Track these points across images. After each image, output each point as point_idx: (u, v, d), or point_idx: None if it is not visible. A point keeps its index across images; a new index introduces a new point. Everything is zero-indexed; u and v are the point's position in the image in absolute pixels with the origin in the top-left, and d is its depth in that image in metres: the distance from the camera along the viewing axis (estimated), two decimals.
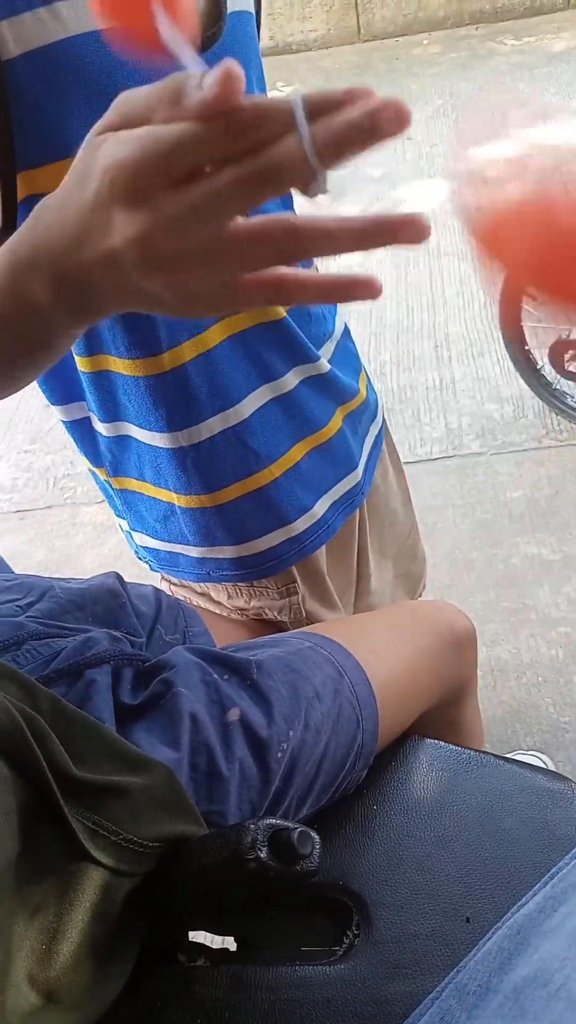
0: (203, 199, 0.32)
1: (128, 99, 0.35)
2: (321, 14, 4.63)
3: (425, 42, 4.53)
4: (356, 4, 4.57)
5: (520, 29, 4.38)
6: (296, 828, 0.46)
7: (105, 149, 0.34)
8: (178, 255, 0.34)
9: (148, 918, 0.55)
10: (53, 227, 0.37)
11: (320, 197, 0.34)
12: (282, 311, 0.73)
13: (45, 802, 0.47)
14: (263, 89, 0.72)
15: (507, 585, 1.86)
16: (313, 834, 0.47)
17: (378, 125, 0.30)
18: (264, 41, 4.69)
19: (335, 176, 0.33)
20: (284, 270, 0.35)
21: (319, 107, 0.31)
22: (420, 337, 2.59)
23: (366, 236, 0.33)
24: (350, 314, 2.74)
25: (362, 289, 0.35)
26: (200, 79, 0.32)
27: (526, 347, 2.10)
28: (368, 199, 3.31)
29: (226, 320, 0.71)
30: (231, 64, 0.30)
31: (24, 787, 0.47)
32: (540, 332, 2.06)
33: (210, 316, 0.67)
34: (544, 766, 1.51)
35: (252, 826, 0.47)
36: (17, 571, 0.85)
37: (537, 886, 0.45)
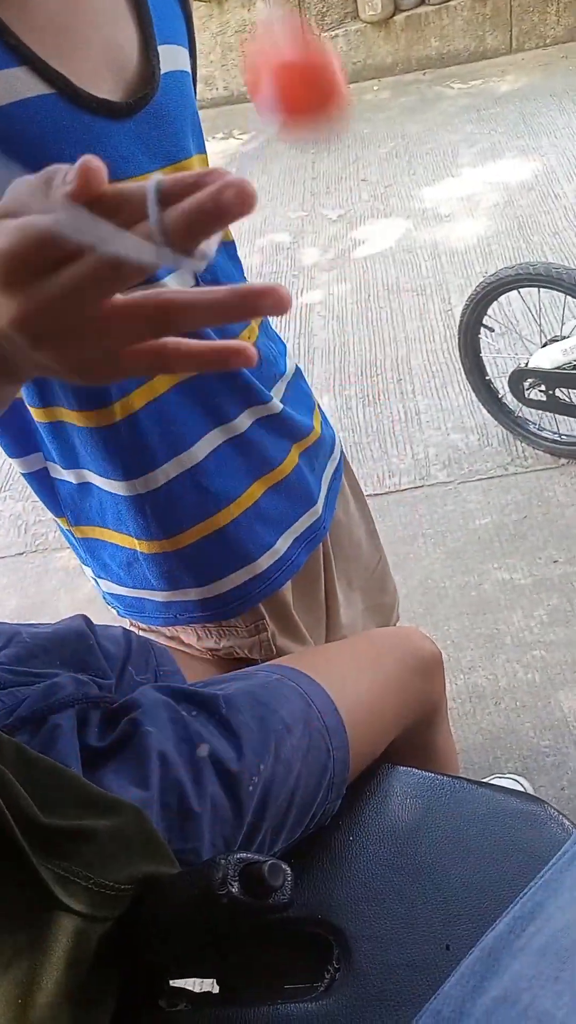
0: (70, 283, 0.34)
1: (15, 188, 0.37)
2: None
3: (375, 88, 4.66)
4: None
5: (466, 73, 4.54)
6: (267, 861, 0.46)
7: None
8: (57, 333, 0.36)
9: (125, 963, 0.54)
10: None
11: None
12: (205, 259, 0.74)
13: (11, 852, 0.46)
14: (201, 144, 0.73)
15: (480, 611, 1.87)
16: (284, 866, 0.46)
17: (223, 207, 0.32)
18: (219, 91, 4.82)
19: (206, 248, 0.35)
20: (164, 342, 0.38)
21: (172, 191, 0.34)
22: (383, 372, 2.63)
23: (230, 309, 0.35)
24: (314, 351, 2.78)
25: (238, 357, 0.38)
26: (65, 172, 0.34)
27: (487, 377, 2.14)
28: (327, 240, 3.38)
29: None
30: (90, 158, 0.33)
31: None
32: (500, 362, 2.10)
33: (108, 383, 0.70)
34: (521, 789, 1.51)
35: (223, 861, 0.47)
36: None
37: (509, 908, 0.45)
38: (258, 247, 3.44)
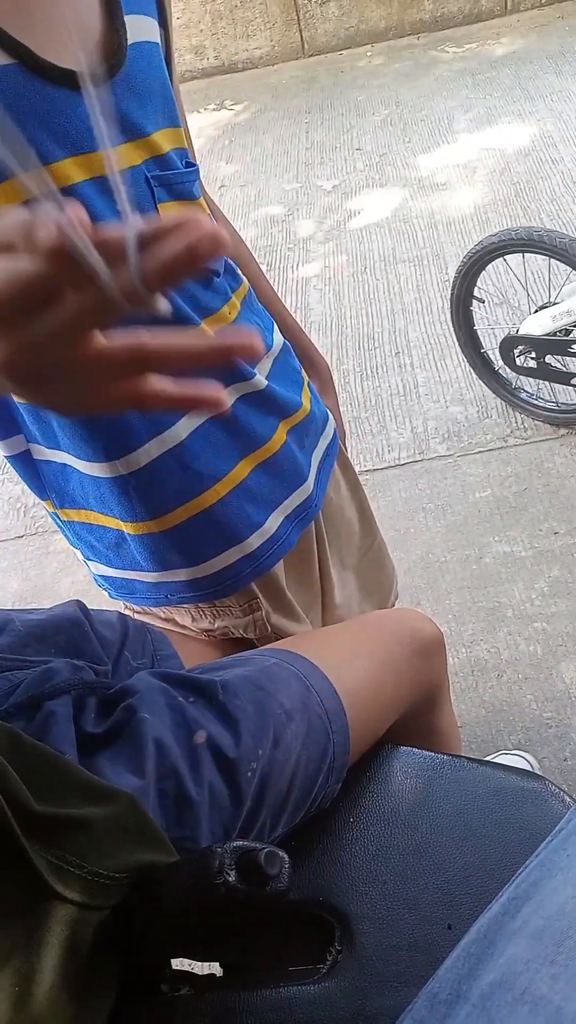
0: (50, 326, 0.36)
1: None
2: (264, 32, 4.67)
3: (369, 54, 4.57)
4: (298, 20, 4.61)
5: (461, 37, 4.44)
6: (263, 848, 0.46)
7: None
8: (36, 373, 0.38)
9: (124, 950, 0.54)
10: None
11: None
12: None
13: (5, 841, 0.46)
14: (173, 117, 0.71)
15: (482, 585, 1.87)
16: (281, 853, 0.46)
17: (197, 255, 0.34)
18: (210, 61, 4.73)
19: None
20: (140, 386, 0.39)
21: (151, 238, 0.35)
22: (381, 344, 2.61)
23: (205, 358, 0.38)
24: (311, 324, 2.75)
25: (212, 405, 0.40)
26: (48, 217, 0.35)
27: (482, 350, 2.12)
28: (322, 211, 3.33)
29: None
30: (75, 207, 0.34)
31: None
32: (498, 332, 2.08)
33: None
34: (527, 764, 1.52)
35: (219, 850, 0.46)
36: None
37: (504, 888, 0.44)
38: (252, 220, 3.39)
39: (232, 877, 0.45)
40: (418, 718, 0.86)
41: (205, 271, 0.73)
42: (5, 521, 2.41)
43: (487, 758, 1.54)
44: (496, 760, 1.52)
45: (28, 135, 0.59)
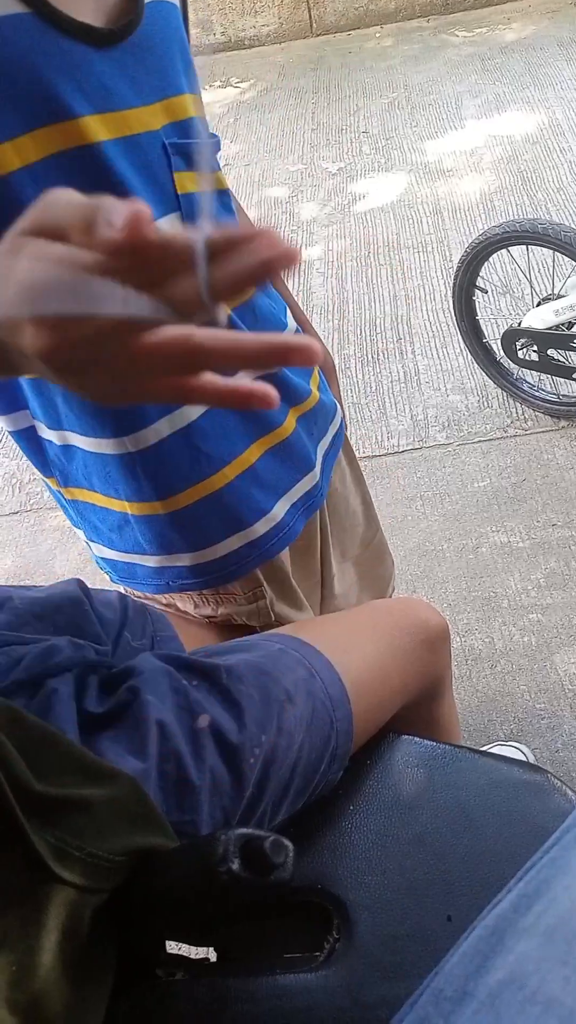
0: (103, 326, 0.34)
1: (51, 206, 0.36)
2: (273, 8, 4.60)
3: (377, 35, 4.52)
4: None
5: (471, 20, 4.39)
6: (268, 837, 0.45)
7: (23, 261, 0.35)
8: (84, 367, 0.37)
9: (122, 933, 0.53)
10: None
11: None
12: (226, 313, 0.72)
13: (4, 820, 0.45)
14: (193, 83, 0.70)
15: (478, 574, 1.86)
16: (286, 842, 0.45)
17: (271, 272, 0.34)
18: (216, 36, 4.66)
19: None
20: (189, 379, 0.38)
21: (219, 247, 0.34)
22: (383, 331, 2.59)
23: (260, 359, 0.36)
24: (313, 309, 2.73)
25: (259, 402, 0.38)
26: (111, 211, 0.34)
27: (484, 340, 2.11)
28: (326, 194, 3.30)
29: None
30: (140, 205, 0.33)
31: None
32: (501, 323, 2.06)
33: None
34: (523, 756, 1.52)
35: (223, 837, 0.45)
36: None
37: (511, 882, 0.44)
38: (255, 201, 3.35)
39: (236, 864, 0.44)
40: (420, 708, 0.85)
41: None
42: (0, 497, 2.40)
43: (483, 748, 1.54)
44: (493, 750, 1.52)
45: (50, 86, 0.57)
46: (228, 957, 0.60)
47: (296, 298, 1.01)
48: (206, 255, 0.34)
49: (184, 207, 0.67)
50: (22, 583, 2.15)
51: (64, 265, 0.34)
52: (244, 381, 0.38)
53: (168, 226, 0.65)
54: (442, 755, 0.70)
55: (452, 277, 2.04)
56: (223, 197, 0.76)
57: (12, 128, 0.57)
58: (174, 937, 0.58)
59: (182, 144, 0.67)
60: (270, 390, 0.37)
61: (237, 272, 0.34)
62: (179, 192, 0.67)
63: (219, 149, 0.74)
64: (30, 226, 0.36)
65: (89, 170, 0.61)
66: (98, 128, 0.60)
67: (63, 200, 0.36)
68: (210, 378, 0.37)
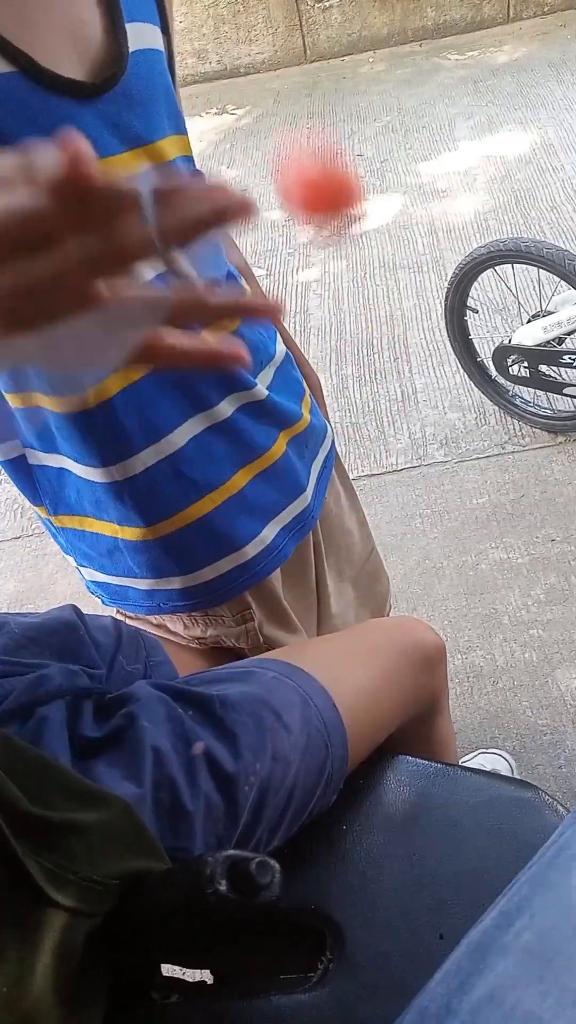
0: (51, 269, 0.33)
1: None
2: (267, 36, 4.68)
3: (371, 60, 4.59)
4: (301, 25, 4.63)
5: (463, 44, 4.46)
6: (254, 858, 0.45)
7: None
8: (34, 321, 0.35)
9: (115, 955, 0.54)
10: None
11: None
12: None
13: None
14: (178, 125, 0.71)
15: (478, 591, 1.87)
16: (272, 863, 0.46)
17: (223, 218, 0.33)
18: (212, 65, 4.74)
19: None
20: (157, 335, 0.36)
21: (169, 197, 0.33)
22: (380, 350, 2.61)
23: (220, 309, 0.35)
24: (310, 330, 2.75)
25: (231, 361, 0.37)
26: (52, 154, 0.32)
27: (478, 359, 2.13)
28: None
29: None
30: (73, 136, 0.31)
31: None
32: (494, 340, 2.08)
33: (91, 373, 0.69)
34: (507, 764, 1.51)
35: (210, 859, 0.46)
36: None
37: (496, 900, 0.44)
38: (251, 226, 3.39)
39: (223, 886, 0.45)
40: (417, 727, 0.85)
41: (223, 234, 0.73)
42: (2, 522, 2.41)
43: (466, 757, 1.54)
44: (475, 758, 1.52)
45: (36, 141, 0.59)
46: (223, 979, 0.61)
47: (293, 319, 1.03)
48: (154, 200, 0.33)
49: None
50: (23, 608, 2.16)
51: (6, 208, 0.33)
52: (211, 340, 0.37)
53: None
54: (434, 774, 0.70)
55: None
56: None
57: None
58: (168, 959, 0.58)
59: None
60: (239, 347, 0.37)
61: (187, 218, 0.33)
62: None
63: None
64: None
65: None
66: None
67: (5, 156, 0.35)
68: (175, 336, 0.36)
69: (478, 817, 0.66)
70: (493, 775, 0.70)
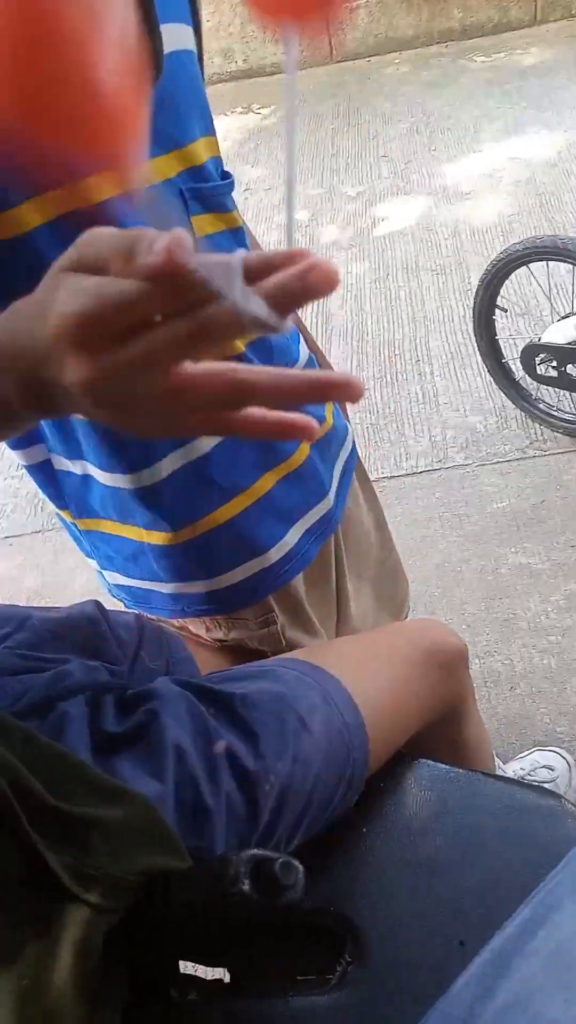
0: (142, 354, 0.34)
1: (91, 243, 0.36)
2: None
3: (396, 61, 4.57)
4: (327, 26, 4.62)
5: (489, 46, 4.43)
6: (279, 858, 0.45)
7: (61, 294, 0.35)
8: (121, 400, 0.36)
9: (135, 952, 0.54)
10: (21, 337, 0.39)
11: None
12: (240, 345, 0.72)
13: (17, 838, 0.46)
14: (208, 125, 0.71)
15: (497, 596, 1.86)
16: (296, 864, 0.46)
17: (309, 289, 0.33)
18: (238, 64, 4.74)
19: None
20: (231, 412, 0.37)
21: (256, 269, 0.34)
22: (402, 352, 2.60)
23: (302, 395, 0.36)
24: (332, 331, 2.75)
25: (300, 432, 0.38)
26: (151, 240, 0.33)
27: (503, 360, 2.11)
28: (346, 218, 3.33)
29: None
30: (180, 233, 0.32)
31: None
32: (519, 343, 2.07)
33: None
34: (564, 760, 1.49)
35: (234, 858, 0.46)
36: (7, 597, 0.84)
37: (520, 907, 0.44)
38: (276, 224, 3.39)
39: (247, 886, 0.45)
40: (443, 730, 0.85)
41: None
42: (23, 517, 2.43)
43: (522, 754, 1.51)
44: (531, 755, 1.49)
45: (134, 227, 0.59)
46: (241, 978, 0.61)
47: (315, 319, 1.02)
48: (243, 275, 0.33)
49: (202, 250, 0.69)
50: (43, 602, 2.17)
51: (96, 297, 0.34)
52: (284, 413, 0.38)
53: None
54: (456, 779, 0.70)
55: (471, 299, 2.05)
56: (238, 235, 0.77)
57: (33, 188, 0.59)
58: (187, 957, 0.58)
59: (198, 188, 0.68)
60: (311, 421, 0.37)
61: (275, 291, 0.33)
62: (197, 235, 0.68)
63: (233, 188, 0.75)
64: (68, 262, 0.37)
65: (112, 222, 0.62)
66: (106, 184, 0.61)
67: (105, 234, 0.36)
68: (252, 410, 0.37)
69: (499, 824, 0.66)
70: (515, 782, 0.70)
